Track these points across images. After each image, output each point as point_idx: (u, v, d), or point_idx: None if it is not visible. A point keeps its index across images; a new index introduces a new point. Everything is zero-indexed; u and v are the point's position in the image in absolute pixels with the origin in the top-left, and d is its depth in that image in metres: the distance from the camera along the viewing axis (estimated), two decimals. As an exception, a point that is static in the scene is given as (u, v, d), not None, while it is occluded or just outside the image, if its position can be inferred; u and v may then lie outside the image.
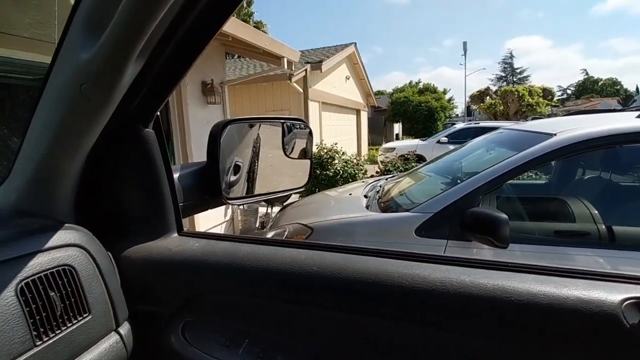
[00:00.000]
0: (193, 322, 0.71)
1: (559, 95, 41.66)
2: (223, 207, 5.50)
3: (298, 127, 1.20)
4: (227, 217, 5.66)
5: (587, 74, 48.17)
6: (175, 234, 0.81)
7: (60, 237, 0.60)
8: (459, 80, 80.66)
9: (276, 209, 5.32)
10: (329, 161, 7.34)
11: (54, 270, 0.56)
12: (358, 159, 8.45)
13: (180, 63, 0.66)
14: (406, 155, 9.19)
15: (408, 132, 23.97)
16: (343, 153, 7.94)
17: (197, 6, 0.56)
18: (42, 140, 0.61)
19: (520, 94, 24.34)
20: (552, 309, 0.50)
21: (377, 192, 2.96)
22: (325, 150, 7.61)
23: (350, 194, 3.07)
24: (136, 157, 0.73)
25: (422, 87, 30.82)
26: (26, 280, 0.52)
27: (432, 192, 2.28)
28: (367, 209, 2.54)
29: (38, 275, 0.54)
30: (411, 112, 23.53)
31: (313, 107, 9.72)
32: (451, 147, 7.07)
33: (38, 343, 0.52)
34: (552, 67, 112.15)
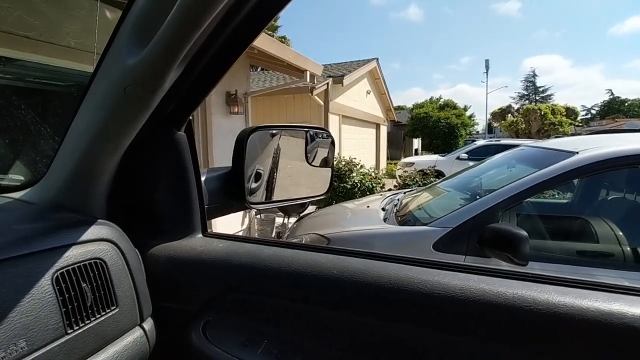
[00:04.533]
0: (214, 321, 0.73)
1: (583, 115, 40.55)
2: (240, 216, 5.58)
3: (321, 136, 1.24)
4: (244, 226, 5.72)
5: (612, 94, 46.72)
6: (200, 235, 0.84)
7: (94, 231, 0.63)
8: (479, 97, 79.70)
9: (293, 219, 5.35)
10: (347, 174, 7.35)
11: (87, 262, 0.59)
12: (376, 172, 8.42)
13: (215, 72, 0.70)
14: (425, 171, 9.11)
15: (427, 148, 23.77)
16: (361, 166, 7.94)
17: (235, 19, 0.60)
18: (83, 139, 0.65)
19: (543, 113, 23.86)
20: (572, 320, 0.50)
21: (395, 205, 2.95)
22: (343, 163, 7.63)
23: (368, 207, 3.07)
24: (168, 158, 0.77)
25: (442, 103, 30.65)
26: (61, 271, 0.55)
27: (451, 207, 2.27)
28: (385, 221, 2.54)
29: (72, 266, 0.57)
30: (431, 127, 23.38)
31: (333, 120, 9.81)
32: (471, 163, 6.98)
33: (69, 331, 0.54)
34: (574, 86, 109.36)
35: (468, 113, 30.95)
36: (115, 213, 0.75)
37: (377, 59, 13.02)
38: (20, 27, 2.41)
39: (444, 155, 12.12)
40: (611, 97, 46.23)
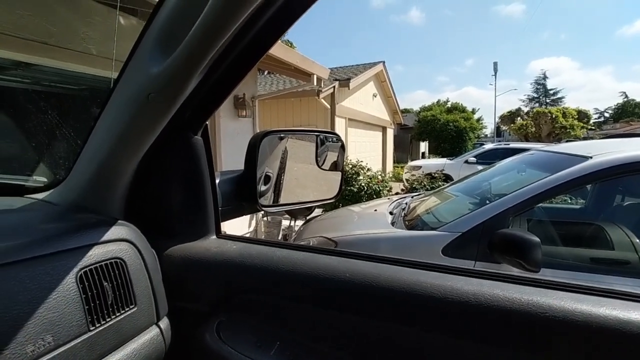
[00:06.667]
0: (227, 322, 0.74)
1: (595, 118, 39.99)
2: (247, 219, 5.60)
3: (331, 140, 1.24)
4: (251, 228, 5.74)
5: (626, 96, 45.96)
6: (214, 236, 0.85)
7: (114, 232, 0.65)
8: (487, 100, 79.06)
9: (299, 222, 5.36)
10: (353, 177, 7.34)
11: (108, 262, 0.61)
12: (383, 175, 8.40)
13: (231, 79, 0.71)
14: (433, 174, 9.06)
15: (435, 151, 23.64)
16: (368, 169, 7.93)
17: (252, 30, 0.62)
18: (105, 143, 0.67)
19: (554, 116, 23.61)
20: (589, 328, 0.49)
21: (403, 209, 2.94)
22: (350, 166, 7.63)
23: (376, 210, 3.06)
24: (185, 162, 0.78)
25: (450, 106, 30.51)
26: (85, 269, 0.57)
27: (460, 212, 2.25)
28: (393, 225, 2.53)
29: (94, 265, 0.58)
30: (438, 130, 23.25)
31: (340, 123, 9.82)
32: (479, 167, 6.93)
33: (92, 328, 0.56)
34: (583, 88, 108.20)
35: (476, 116, 30.70)
36: (132, 214, 0.76)
37: (384, 62, 13.03)
38: (39, 34, 2.48)
39: (452, 159, 12.03)
40: (625, 99, 45.47)
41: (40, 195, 0.79)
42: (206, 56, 0.53)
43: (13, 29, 2.36)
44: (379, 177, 7.91)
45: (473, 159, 10.86)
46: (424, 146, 26.40)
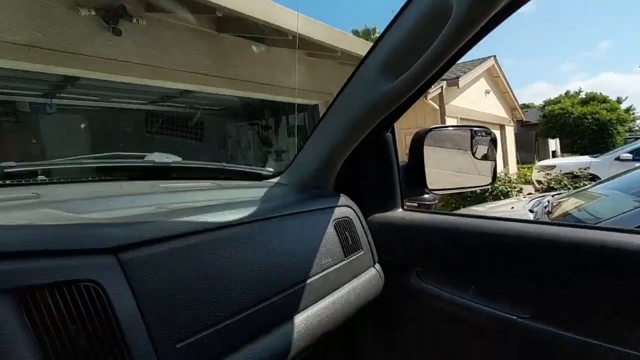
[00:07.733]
0: (422, 271, 0.94)
1: None
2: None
3: (481, 134, 1.34)
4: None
5: None
6: (400, 209, 1.07)
7: (340, 200, 0.92)
8: (637, 86, 63.61)
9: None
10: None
11: (344, 219, 0.88)
12: (509, 177, 7.73)
13: (424, 89, 0.89)
14: (575, 173, 7.92)
15: (569, 149, 20.37)
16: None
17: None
18: (332, 138, 0.93)
19: None
20: None
21: (545, 207, 2.75)
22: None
23: (512, 208, 2.93)
24: (380, 152, 1.02)
25: (584, 96, 26.03)
26: (336, 221, 0.85)
27: (622, 209, 2.03)
28: (536, 222, 2.40)
29: (339, 219, 0.86)
30: (572, 125, 20.01)
31: (451, 123, 9.40)
32: (637, 164, 5.81)
33: (345, 258, 0.82)
34: None
35: (623, 106, 25.41)
36: (342, 191, 1.01)
37: (495, 57, 12.02)
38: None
39: (597, 157, 10.22)
40: None
41: (273, 180, 1.11)
42: (424, 78, 0.73)
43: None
44: (506, 177, 7.32)
45: (628, 155, 9.02)
46: (553, 144, 23.01)
